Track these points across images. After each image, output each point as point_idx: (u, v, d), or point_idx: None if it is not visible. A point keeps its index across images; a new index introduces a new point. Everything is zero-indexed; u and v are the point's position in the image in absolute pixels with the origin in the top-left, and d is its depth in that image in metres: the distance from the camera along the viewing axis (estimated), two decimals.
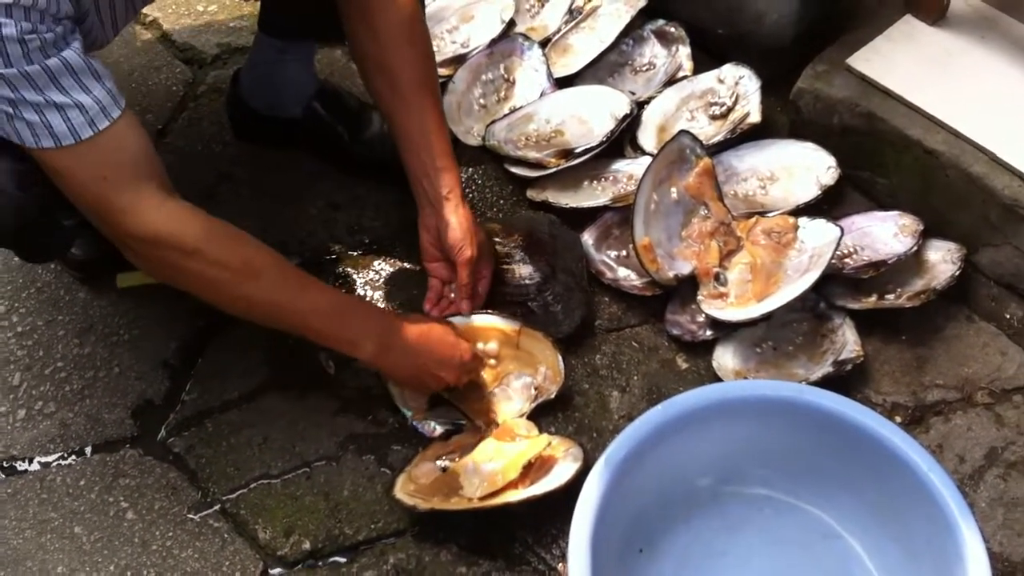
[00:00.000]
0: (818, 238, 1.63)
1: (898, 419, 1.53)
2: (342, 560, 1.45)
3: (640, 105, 1.89)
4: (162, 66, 2.08)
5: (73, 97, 1.21)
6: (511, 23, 2.03)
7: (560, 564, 1.42)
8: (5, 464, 1.56)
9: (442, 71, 1.97)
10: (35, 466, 1.56)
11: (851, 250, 1.66)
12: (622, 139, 1.86)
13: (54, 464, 1.56)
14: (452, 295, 1.62)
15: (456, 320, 1.60)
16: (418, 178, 1.58)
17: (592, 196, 1.79)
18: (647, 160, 1.75)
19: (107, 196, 1.29)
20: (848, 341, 1.58)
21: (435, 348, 1.49)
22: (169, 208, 1.32)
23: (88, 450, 1.57)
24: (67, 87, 1.20)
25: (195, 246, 1.33)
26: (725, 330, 1.62)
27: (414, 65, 1.55)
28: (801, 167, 1.79)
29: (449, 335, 1.52)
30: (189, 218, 1.34)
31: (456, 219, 1.57)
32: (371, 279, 1.73)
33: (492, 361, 1.59)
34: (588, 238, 1.75)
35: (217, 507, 1.51)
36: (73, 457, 1.57)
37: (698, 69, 1.94)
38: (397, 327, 1.48)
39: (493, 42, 1.99)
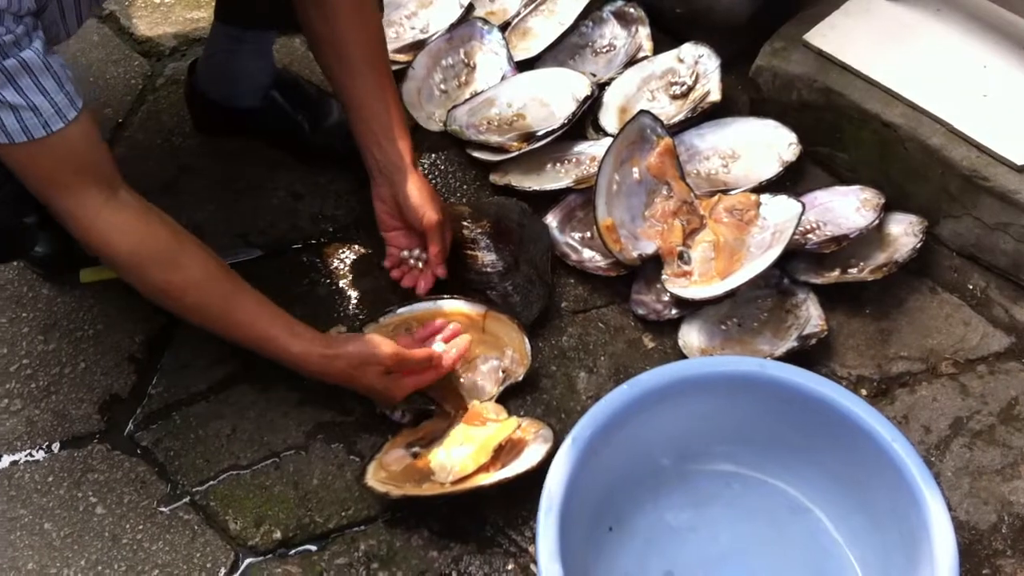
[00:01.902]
0: (780, 214, 1.64)
1: (863, 392, 1.55)
2: (313, 548, 1.45)
3: (601, 87, 1.89)
4: (120, 59, 2.06)
5: (28, 98, 1.20)
6: (470, 7, 2.02)
7: (531, 545, 1.43)
8: None
9: (401, 57, 1.97)
10: (2, 463, 1.55)
11: (813, 225, 1.67)
12: (584, 121, 1.86)
13: (22, 461, 1.55)
14: (412, 261, 1.64)
15: (422, 306, 1.60)
16: (370, 148, 1.59)
17: (555, 179, 1.80)
18: (608, 141, 1.75)
19: (53, 198, 1.32)
20: (812, 316, 1.59)
21: (366, 383, 1.48)
22: (107, 217, 1.33)
23: (56, 446, 1.56)
24: (24, 87, 1.19)
25: (126, 262, 1.37)
26: (690, 308, 1.63)
27: (364, 41, 1.56)
28: (762, 144, 1.80)
29: (381, 379, 1.48)
30: (127, 232, 1.35)
31: (414, 186, 1.58)
32: (336, 267, 1.73)
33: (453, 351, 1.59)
34: (552, 220, 1.75)
35: (187, 499, 1.50)
36: (41, 453, 1.56)
37: (658, 49, 1.94)
38: (334, 364, 1.46)
39: (452, 27, 1.98)
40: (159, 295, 1.42)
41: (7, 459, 1.55)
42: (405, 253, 1.65)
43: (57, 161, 1.28)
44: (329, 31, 1.54)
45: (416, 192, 1.58)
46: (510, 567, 1.42)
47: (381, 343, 1.47)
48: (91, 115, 1.32)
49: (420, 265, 1.64)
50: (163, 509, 1.50)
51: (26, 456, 1.56)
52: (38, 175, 1.29)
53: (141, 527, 1.48)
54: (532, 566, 1.42)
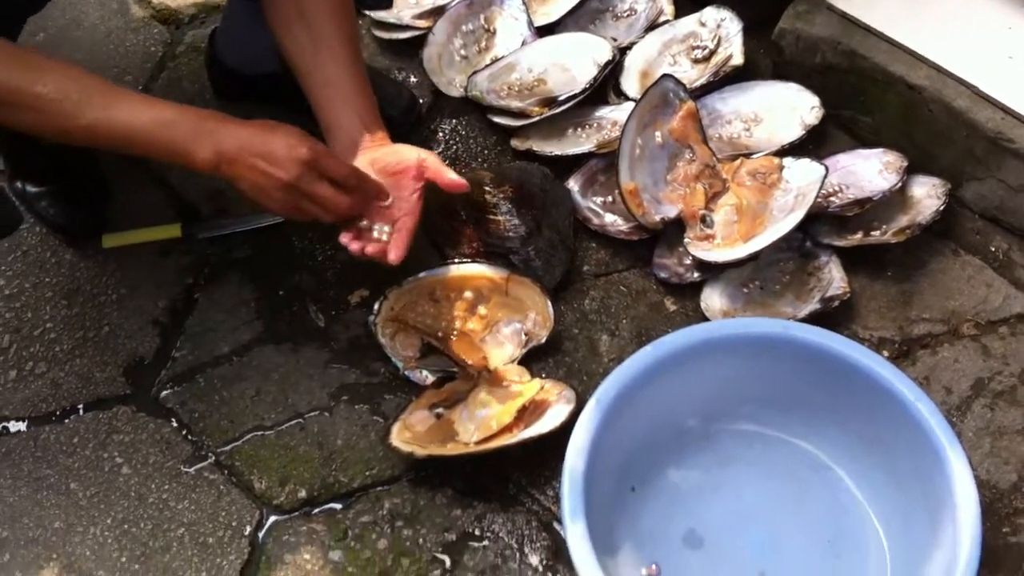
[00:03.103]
0: (803, 177, 1.63)
1: (885, 353, 1.54)
2: (338, 507, 1.46)
3: (622, 51, 1.89)
4: (139, 27, 2.06)
5: None
6: None
7: (554, 504, 1.44)
8: None
9: (421, 23, 1.97)
10: (28, 426, 1.56)
11: (836, 188, 1.67)
12: (605, 86, 1.86)
13: (47, 423, 1.56)
14: (375, 234, 1.50)
15: (443, 270, 1.60)
16: (345, 127, 1.50)
17: (576, 143, 1.79)
18: (630, 106, 1.74)
19: None
20: (834, 278, 1.59)
21: (269, 146, 1.37)
22: None
23: (81, 408, 1.58)
24: None
25: None
26: (712, 272, 1.63)
27: (334, 15, 1.50)
28: (785, 108, 1.79)
29: (290, 136, 1.39)
30: None
31: (398, 144, 1.52)
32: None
33: (482, 310, 1.60)
34: (574, 185, 1.75)
35: (212, 460, 1.52)
36: (66, 416, 1.57)
37: (679, 13, 1.93)
38: (231, 128, 1.37)
39: None
40: (26, 98, 1.27)
41: (32, 421, 1.57)
42: (365, 222, 1.51)
43: None
44: (297, 6, 1.49)
45: (404, 145, 1.52)
46: (533, 525, 1.43)
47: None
48: None
49: (384, 237, 1.50)
50: (188, 469, 1.51)
51: (51, 418, 1.57)
52: None
53: (167, 487, 1.50)
54: (555, 524, 1.42)
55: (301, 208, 1.43)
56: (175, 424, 1.55)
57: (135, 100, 1.35)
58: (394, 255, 1.48)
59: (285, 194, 1.40)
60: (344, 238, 1.49)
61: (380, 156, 1.50)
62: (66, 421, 1.57)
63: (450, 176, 1.51)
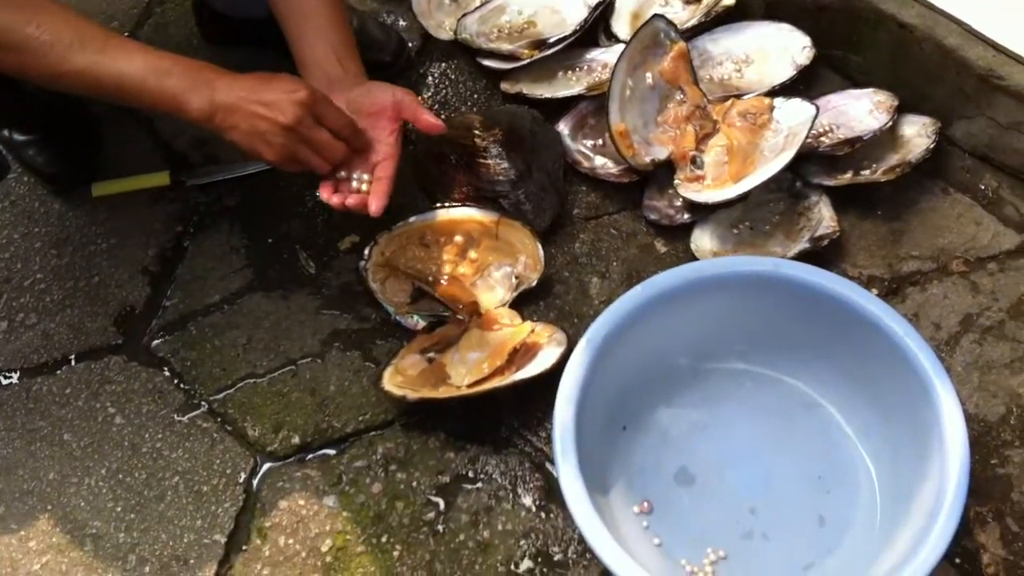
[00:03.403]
0: (793, 117, 1.62)
1: (875, 291, 1.54)
2: (332, 452, 1.47)
3: None
4: None
5: None
6: None
7: (546, 445, 1.44)
8: None
9: None
10: (20, 377, 1.57)
11: (826, 128, 1.66)
12: (596, 28, 1.84)
13: (39, 374, 1.57)
14: (355, 183, 1.47)
15: (433, 214, 1.60)
16: (321, 64, 1.46)
17: (567, 86, 1.78)
18: (621, 48, 1.73)
19: None
20: (824, 217, 1.58)
21: (265, 94, 1.35)
22: None
23: (72, 359, 1.58)
24: None
25: None
26: (702, 213, 1.62)
27: None
28: (776, 48, 1.77)
29: (285, 82, 1.37)
30: None
31: (373, 83, 1.49)
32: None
33: (473, 254, 1.59)
34: (564, 128, 1.74)
35: (205, 408, 1.52)
36: (58, 366, 1.57)
37: None
38: (225, 79, 1.36)
39: None
40: (11, 38, 1.25)
41: (24, 372, 1.57)
42: (343, 173, 1.47)
43: None
44: None
45: (379, 84, 1.48)
46: (526, 466, 1.44)
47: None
48: None
49: (364, 187, 1.46)
50: (181, 418, 1.52)
51: (43, 369, 1.57)
52: None
53: (160, 436, 1.50)
54: (547, 465, 1.43)
55: (297, 155, 1.40)
56: (167, 373, 1.56)
57: (130, 47, 1.32)
58: (375, 206, 1.44)
59: (284, 138, 1.37)
60: (323, 192, 1.46)
61: (354, 96, 1.46)
62: (58, 372, 1.57)
63: (427, 117, 1.47)
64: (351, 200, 1.45)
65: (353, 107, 1.46)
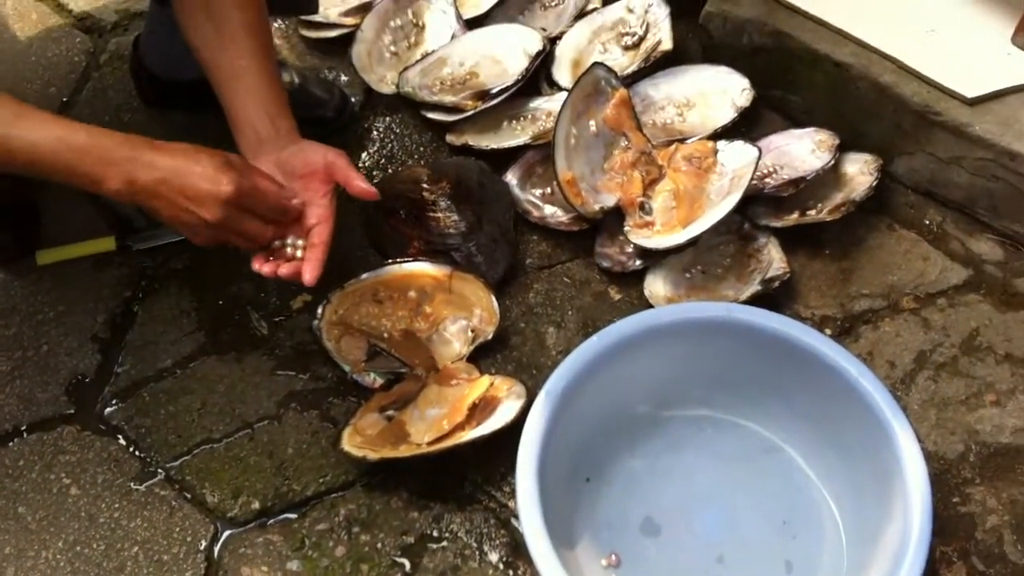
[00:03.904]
0: (737, 160, 1.65)
1: (828, 331, 1.56)
2: (293, 516, 1.45)
3: (552, 41, 1.89)
4: (61, 37, 2.03)
5: None
6: None
7: (511, 501, 1.44)
8: None
9: (348, 20, 1.96)
10: None
11: (770, 169, 1.68)
12: (537, 77, 1.86)
13: None
14: (289, 250, 1.44)
15: (385, 270, 1.59)
16: (252, 122, 1.43)
17: (512, 136, 1.79)
18: (564, 96, 1.75)
19: None
20: (774, 259, 1.60)
21: (189, 181, 1.30)
22: None
23: (24, 430, 1.54)
24: None
25: None
26: (654, 258, 1.64)
27: (244, 7, 1.43)
28: (716, 91, 1.80)
29: (210, 167, 1.31)
30: None
31: (307, 142, 1.45)
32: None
33: (427, 309, 1.59)
34: (512, 178, 1.75)
35: (162, 475, 1.49)
36: (9, 439, 1.54)
37: (607, 0, 1.94)
38: (146, 158, 1.29)
39: None
40: None
41: None
42: (278, 242, 1.44)
43: None
44: None
45: (311, 144, 1.45)
46: (491, 522, 1.43)
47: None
48: None
49: (299, 253, 1.44)
50: (138, 487, 1.49)
51: None
52: None
53: (117, 505, 1.47)
54: (513, 520, 1.43)
55: (224, 241, 1.38)
56: (122, 441, 1.53)
57: (43, 120, 1.27)
58: (308, 276, 1.40)
59: (209, 232, 1.35)
60: (255, 263, 1.43)
61: (286, 157, 1.43)
62: (10, 444, 1.53)
63: (358, 182, 1.44)
64: (283, 270, 1.42)
65: (285, 168, 1.43)
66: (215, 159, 1.33)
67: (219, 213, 1.32)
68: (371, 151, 1.82)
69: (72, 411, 1.56)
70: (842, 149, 1.69)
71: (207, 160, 1.33)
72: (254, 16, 1.45)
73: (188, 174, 1.30)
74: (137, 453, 1.52)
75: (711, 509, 1.39)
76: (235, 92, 1.43)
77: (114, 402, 1.57)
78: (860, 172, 1.68)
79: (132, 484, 1.49)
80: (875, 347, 1.55)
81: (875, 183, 1.65)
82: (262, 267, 1.43)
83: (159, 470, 1.50)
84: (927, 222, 1.68)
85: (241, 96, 1.43)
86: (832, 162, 1.66)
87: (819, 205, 1.66)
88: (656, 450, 1.43)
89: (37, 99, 1.86)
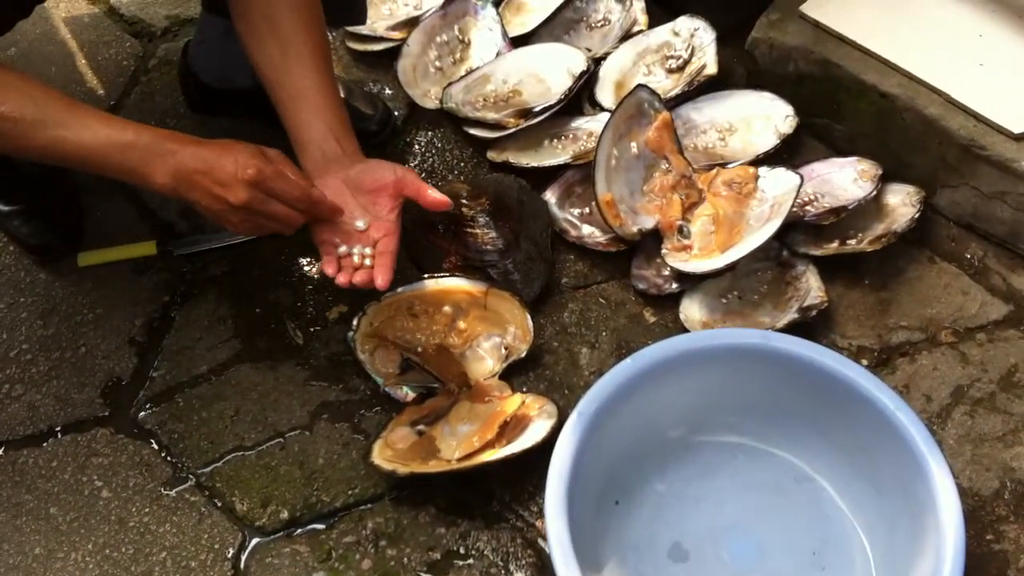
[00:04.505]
0: (778, 187, 1.64)
1: (864, 362, 1.55)
2: (321, 527, 1.46)
3: (596, 61, 1.89)
4: (111, 41, 2.05)
5: None
6: None
7: (538, 520, 1.44)
8: None
9: (395, 34, 1.97)
10: (6, 449, 1.55)
11: (812, 197, 1.68)
12: (580, 96, 1.86)
13: (25, 446, 1.55)
14: (356, 258, 1.46)
15: (420, 284, 1.60)
16: (321, 137, 1.46)
17: (553, 155, 1.79)
18: (606, 117, 1.75)
19: None
20: (812, 287, 1.59)
21: (218, 169, 1.34)
22: None
23: (59, 431, 1.56)
24: None
25: None
26: (690, 282, 1.63)
27: (309, 30, 1.47)
28: (759, 117, 1.80)
29: (243, 155, 1.35)
30: None
31: (372, 160, 1.49)
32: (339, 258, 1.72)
33: (461, 324, 1.59)
34: (551, 197, 1.75)
35: (192, 481, 1.50)
36: (44, 439, 1.56)
37: (653, 23, 1.94)
38: (189, 150, 1.34)
39: (446, 3, 1.97)
40: None
41: (9, 444, 1.55)
42: (343, 248, 1.47)
43: None
44: (267, 13, 1.45)
45: (378, 161, 1.49)
46: (518, 542, 1.43)
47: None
48: None
49: (367, 262, 1.46)
50: (169, 492, 1.50)
51: (29, 441, 1.55)
52: None
53: (147, 510, 1.48)
54: (540, 541, 1.42)
55: (260, 226, 1.41)
56: (154, 446, 1.54)
57: (91, 120, 1.31)
58: (380, 281, 1.44)
59: (240, 216, 1.37)
60: (328, 268, 1.46)
61: (355, 175, 1.47)
62: (44, 444, 1.55)
63: (431, 194, 1.48)
64: (358, 277, 1.45)
65: (353, 184, 1.46)
66: (248, 148, 1.36)
67: (243, 195, 1.34)
68: (412, 165, 1.82)
69: (107, 413, 1.58)
70: (885, 179, 1.68)
71: (239, 148, 1.36)
72: (318, 37, 1.48)
73: (220, 162, 1.34)
74: (169, 458, 1.53)
75: (740, 537, 1.38)
76: (299, 111, 1.46)
77: (148, 406, 1.58)
78: (902, 203, 1.67)
79: (163, 489, 1.50)
80: (912, 380, 1.54)
81: (917, 215, 1.64)
82: (335, 274, 1.45)
83: (190, 476, 1.51)
84: (968, 256, 1.67)
85: (305, 115, 1.46)
86: (874, 192, 1.65)
87: (860, 235, 1.65)
88: (687, 475, 1.43)
89: (85, 102, 1.87)
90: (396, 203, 1.48)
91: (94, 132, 1.30)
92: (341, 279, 1.45)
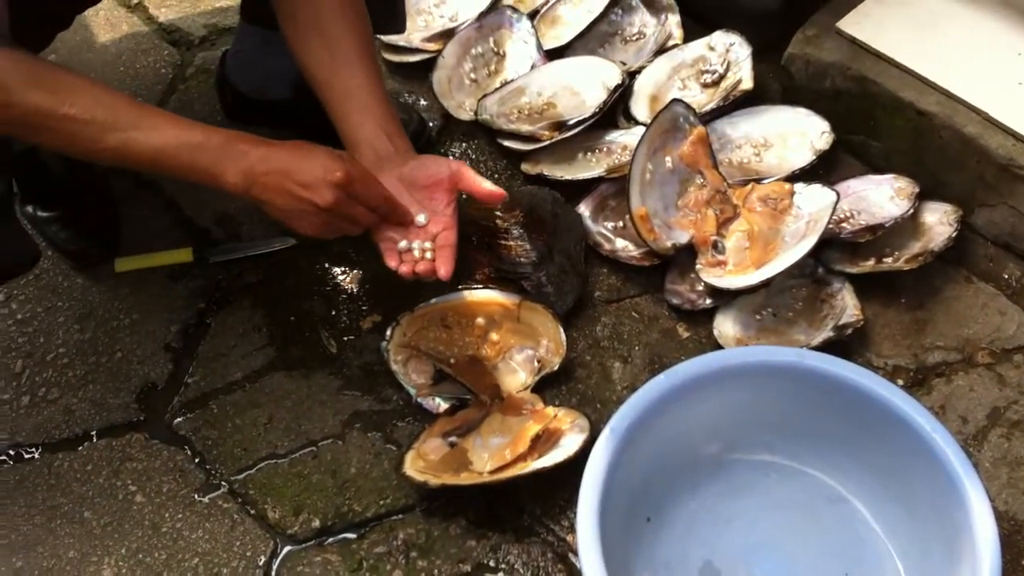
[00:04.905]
0: (814, 203, 1.63)
1: (900, 382, 1.54)
2: (352, 536, 1.46)
3: (631, 75, 1.89)
4: (149, 49, 2.07)
5: None
6: None
7: (569, 535, 1.44)
8: (12, 451, 1.56)
9: (431, 46, 1.97)
10: (42, 452, 1.56)
11: (848, 214, 1.67)
12: (614, 110, 1.86)
13: (61, 450, 1.56)
14: (416, 252, 1.47)
15: (453, 296, 1.60)
16: (373, 136, 1.47)
17: (587, 168, 1.80)
18: (640, 130, 1.75)
19: None
20: (847, 305, 1.59)
21: (303, 172, 1.35)
22: None
23: (94, 435, 1.57)
24: None
25: (8, 95, 1.22)
26: (724, 298, 1.63)
27: (356, 32, 1.48)
28: (795, 132, 1.79)
29: (322, 157, 1.36)
30: (7, 64, 1.22)
31: (429, 157, 1.50)
32: (369, 258, 1.73)
33: (494, 336, 1.59)
34: (584, 210, 1.75)
35: (225, 488, 1.51)
36: (79, 443, 1.57)
37: (688, 37, 1.94)
38: (262, 152, 1.35)
39: (481, 15, 1.98)
40: (60, 121, 1.24)
41: (46, 447, 1.57)
42: (404, 244, 1.47)
43: None
44: (313, 13, 1.46)
45: (432, 157, 1.51)
46: (548, 556, 1.43)
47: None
48: None
49: (428, 255, 1.47)
50: (202, 498, 1.51)
51: (64, 445, 1.57)
52: None
53: (180, 516, 1.50)
54: (570, 555, 1.42)
55: (335, 229, 1.41)
56: (188, 452, 1.55)
57: (162, 121, 1.32)
58: (443, 271, 1.44)
59: (321, 218, 1.38)
60: (390, 261, 1.46)
61: (409, 171, 1.47)
62: (79, 448, 1.57)
63: (486, 185, 1.47)
64: (420, 267, 1.45)
65: (407, 180, 1.47)
66: (325, 150, 1.37)
67: (331, 198, 1.34)
68: None
69: (141, 418, 1.59)
70: (921, 198, 1.67)
71: (318, 151, 1.37)
72: (365, 38, 1.49)
73: (301, 163, 1.35)
74: (202, 464, 1.54)
75: (772, 557, 1.37)
76: (350, 112, 1.47)
77: (183, 412, 1.59)
78: (939, 222, 1.66)
79: (196, 495, 1.51)
80: (947, 401, 1.53)
81: (954, 234, 1.63)
82: (399, 266, 1.46)
83: (223, 482, 1.52)
84: (1006, 276, 1.66)
85: (356, 116, 1.47)
86: (911, 210, 1.64)
87: (896, 253, 1.64)
88: (718, 493, 1.42)
89: None
90: (452, 197, 1.48)
91: (163, 133, 1.30)
92: (404, 268, 1.46)
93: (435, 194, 1.48)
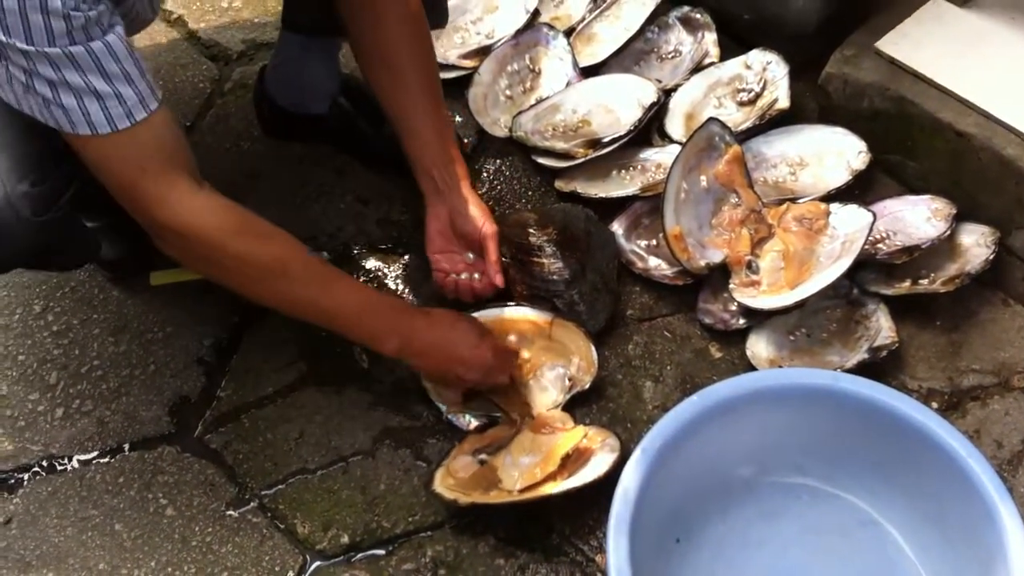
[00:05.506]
0: (850, 224, 1.62)
1: (934, 405, 1.53)
2: (380, 553, 1.46)
3: (667, 93, 1.88)
4: (188, 63, 2.09)
5: (115, 86, 1.19)
6: (535, 13, 2.02)
7: (598, 555, 1.43)
8: (45, 463, 1.57)
9: (467, 63, 1.98)
10: (74, 464, 1.57)
11: (883, 235, 1.66)
12: (649, 128, 1.86)
13: (93, 462, 1.58)
14: (464, 276, 1.64)
15: (487, 313, 1.60)
16: (427, 171, 1.61)
17: (621, 186, 1.79)
18: (675, 149, 1.74)
19: (142, 186, 1.29)
20: (882, 327, 1.57)
21: (456, 350, 1.49)
22: (201, 200, 1.32)
23: (126, 447, 1.59)
24: (111, 74, 1.18)
25: (222, 240, 1.33)
26: (758, 318, 1.62)
27: (420, 62, 1.57)
28: (831, 152, 1.78)
29: (471, 336, 1.51)
30: (219, 211, 1.33)
31: (472, 202, 1.62)
32: (401, 272, 1.74)
33: (526, 354, 1.59)
34: (618, 228, 1.75)
35: (255, 502, 1.52)
36: (111, 455, 1.58)
37: (725, 55, 1.93)
38: (419, 325, 1.48)
39: (518, 32, 1.99)
40: (260, 271, 1.37)
41: (79, 459, 1.58)
42: (454, 276, 1.64)
43: (144, 149, 1.26)
44: (382, 44, 1.53)
45: (475, 207, 1.62)
46: None
47: None
48: (168, 108, 1.32)
49: (476, 275, 1.64)
50: (232, 512, 1.52)
51: (97, 457, 1.58)
52: (122, 166, 1.27)
53: (210, 529, 1.50)
54: (598, 575, 1.42)
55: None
56: (219, 466, 1.56)
57: (347, 287, 1.47)
58: (499, 279, 1.60)
59: (463, 385, 1.54)
60: (449, 291, 1.65)
61: (458, 223, 1.62)
62: (112, 460, 1.58)
63: (493, 270, 1.61)
64: (478, 284, 1.63)
65: (454, 219, 1.62)
66: (473, 329, 1.52)
67: (475, 377, 1.51)
68: (480, 193, 1.83)
69: (173, 431, 1.60)
70: (958, 219, 1.65)
71: (464, 325, 1.53)
72: (429, 70, 1.61)
73: (455, 340, 1.50)
74: (233, 478, 1.54)
75: None
76: (409, 142, 1.61)
77: (215, 426, 1.60)
78: (976, 244, 1.64)
79: (226, 509, 1.52)
80: (982, 425, 1.51)
81: (991, 256, 1.61)
82: (455, 292, 1.65)
83: (253, 497, 1.53)
84: None
85: (414, 150, 1.61)
86: (948, 232, 1.63)
87: (932, 275, 1.62)
88: (749, 516, 1.41)
89: None
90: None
91: (350, 297, 1.45)
92: (467, 296, 1.64)
93: (473, 241, 1.64)
